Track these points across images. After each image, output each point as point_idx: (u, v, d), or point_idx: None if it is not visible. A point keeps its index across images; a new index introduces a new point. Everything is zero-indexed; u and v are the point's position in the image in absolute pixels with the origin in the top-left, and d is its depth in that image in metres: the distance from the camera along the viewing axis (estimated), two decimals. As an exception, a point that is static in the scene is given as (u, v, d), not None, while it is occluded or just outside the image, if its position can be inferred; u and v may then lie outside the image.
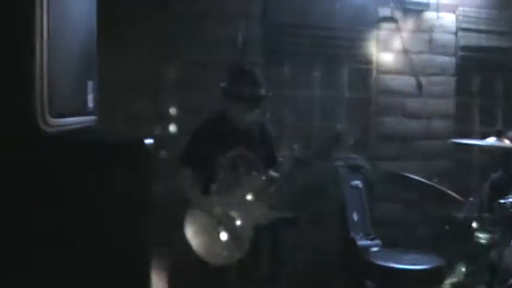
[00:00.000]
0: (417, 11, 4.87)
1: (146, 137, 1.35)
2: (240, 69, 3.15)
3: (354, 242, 4.08)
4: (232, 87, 3.06)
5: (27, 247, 1.21)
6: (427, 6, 4.87)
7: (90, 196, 1.27)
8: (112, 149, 1.32)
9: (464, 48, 4.99)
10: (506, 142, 3.75)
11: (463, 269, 3.59)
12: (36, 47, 1.22)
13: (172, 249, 3.53)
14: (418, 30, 4.90)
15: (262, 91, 3.09)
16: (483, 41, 5.00)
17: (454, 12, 4.94)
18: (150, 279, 1.39)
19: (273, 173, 3.33)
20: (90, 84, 1.55)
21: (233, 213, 3.11)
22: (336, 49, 4.85)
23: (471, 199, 3.76)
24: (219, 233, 3.09)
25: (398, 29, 4.82)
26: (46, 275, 1.22)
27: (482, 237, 3.48)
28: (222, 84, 3.13)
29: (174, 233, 4.34)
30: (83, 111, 1.51)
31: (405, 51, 4.86)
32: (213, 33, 4.64)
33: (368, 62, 4.95)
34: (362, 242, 4.06)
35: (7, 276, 1.19)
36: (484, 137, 4.08)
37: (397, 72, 4.89)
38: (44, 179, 1.23)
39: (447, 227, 3.91)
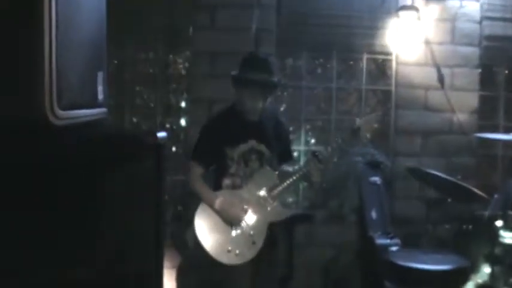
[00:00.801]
0: (439, -1, 4.83)
1: (158, 130, 1.34)
2: (253, 57, 3.13)
3: (372, 240, 4.06)
4: (243, 73, 3.06)
5: (35, 247, 1.21)
6: (449, -6, 4.82)
7: (101, 191, 1.27)
8: (124, 142, 1.32)
9: (489, 38, 4.93)
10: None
11: (487, 270, 3.56)
12: (45, 36, 1.22)
13: (183, 246, 3.55)
14: (441, 19, 4.85)
15: (275, 78, 3.07)
16: (509, 30, 4.94)
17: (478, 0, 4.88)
18: (162, 277, 1.39)
19: (288, 168, 3.32)
20: (100, 75, 1.55)
21: (245, 210, 3.10)
22: (354, 39, 4.81)
23: (496, 196, 3.72)
24: (230, 231, 3.08)
25: (419, 18, 4.78)
26: (57, 274, 1.22)
27: (508, 236, 3.45)
28: (233, 72, 3.13)
29: (184, 230, 4.36)
30: (93, 103, 1.50)
31: (426, 42, 4.82)
32: (225, 23, 4.63)
33: (387, 52, 4.91)
34: (381, 241, 4.04)
35: (20, 276, 1.20)
36: (509, 131, 4.04)
37: (418, 64, 4.84)
38: (53, 173, 1.22)
39: (470, 226, 3.88)
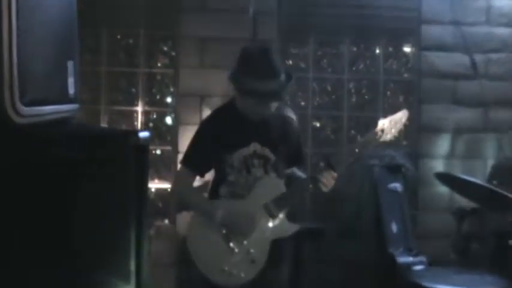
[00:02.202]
0: (471, -28, 4.83)
1: (140, 129, 1.35)
2: (248, 57, 3.08)
3: (392, 258, 4.06)
4: (240, 80, 3.03)
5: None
6: (483, -34, 4.83)
7: (71, 198, 1.27)
8: (99, 143, 1.32)
9: (531, 17, 4.94)
10: None
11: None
12: (3, 20, 1.22)
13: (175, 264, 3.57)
14: (472, -4, 4.86)
15: (280, 82, 3.04)
16: (554, 8, 4.95)
17: (517, -28, 4.89)
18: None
19: (298, 173, 3.31)
20: (70, 65, 1.55)
21: (245, 223, 3.10)
22: (370, 21, 4.82)
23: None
24: (227, 247, 3.09)
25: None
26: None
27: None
28: (229, 74, 3.10)
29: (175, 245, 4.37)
30: (62, 98, 1.51)
31: (456, 23, 4.82)
32: (218, 3, 4.63)
33: (409, 36, 4.91)
34: (403, 259, 4.04)
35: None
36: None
37: (446, 49, 4.85)
38: (15, 179, 1.23)
39: (510, 241, 3.88)
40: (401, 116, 3.14)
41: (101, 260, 1.32)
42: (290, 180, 3.22)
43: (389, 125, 3.11)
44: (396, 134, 3.14)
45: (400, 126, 3.13)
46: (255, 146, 3.13)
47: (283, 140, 3.20)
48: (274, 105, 3.09)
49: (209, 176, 3.30)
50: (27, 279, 1.24)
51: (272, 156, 3.16)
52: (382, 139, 3.12)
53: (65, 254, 1.27)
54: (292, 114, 3.32)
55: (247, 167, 3.13)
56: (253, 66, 3.00)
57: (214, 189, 3.20)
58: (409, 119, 3.15)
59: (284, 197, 3.12)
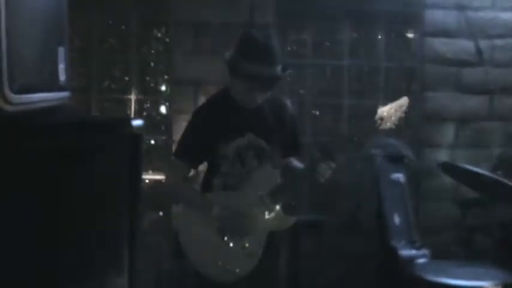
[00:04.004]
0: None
1: (133, 118, 1.35)
2: (250, 40, 3.08)
3: (394, 251, 4.07)
4: (238, 63, 3.03)
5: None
6: None
7: (62, 189, 1.27)
8: (90, 132, 1.32)
9: (538, 2, 4.93)
10: None
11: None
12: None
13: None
14: (477, -21, 4.86)
15: (278, 71, 3.04)
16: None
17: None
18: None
19: (295, 163, 3.31)
20: (61, 51, 1.55)
21: (240, 216, 3.11)
22: (371, 6, 4.81)
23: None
24: (222, 241, 3.10)
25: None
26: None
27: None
28: (226, 56, 3.10)
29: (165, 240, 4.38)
30: (53, 85, 1.51)
31: (460, 7, 4.82)
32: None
33: (412, 21, 4.91)
34: (405, 252, 4.05)
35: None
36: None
37: (450, 35, 4.85)
38: (4, 168, 1.23)
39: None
40: (402, 103, 3.12)
41: (93, 252, 1.33)
42: (286, 171, 3.22)
43: (389, 113, 3.09)
44: (397, 122, 3.12)
45: (400, 113, 3.11)
46: (249, 137, 3.14)
47: (278, 130, 3.19)
48: (265, 95, 3.09)
49: (200, 167, 3.30)
50: (13, 270, 1.24)
51: (267, 147, 3.16)
52: (381, 127, 3.10)
53: (54, 245, 1.27)
54: (288, 102, 3.32)
55: (241, 158, 3.13)
56: (252, 50, 2.99)
57: (207, 181, 3.20)
58: (410, 106, 3.13)
59: (280, 189, 3.12)
